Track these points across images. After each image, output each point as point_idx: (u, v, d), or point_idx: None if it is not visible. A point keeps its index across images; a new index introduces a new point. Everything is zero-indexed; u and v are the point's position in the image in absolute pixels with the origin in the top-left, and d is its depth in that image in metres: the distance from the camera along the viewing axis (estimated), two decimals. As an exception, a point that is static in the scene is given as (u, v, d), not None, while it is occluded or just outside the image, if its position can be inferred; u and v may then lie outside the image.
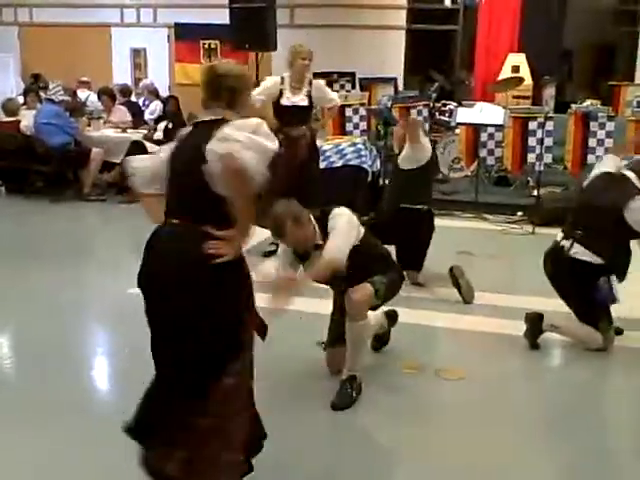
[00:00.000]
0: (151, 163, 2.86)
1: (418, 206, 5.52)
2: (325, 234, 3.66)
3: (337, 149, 7.83)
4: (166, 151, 2.78)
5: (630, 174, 4.45)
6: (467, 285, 5.32)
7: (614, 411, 3.96)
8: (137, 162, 2.91)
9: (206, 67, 2.76)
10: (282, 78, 6.03)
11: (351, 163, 7.68)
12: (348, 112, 9.10)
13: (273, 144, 2.52)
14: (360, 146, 7.87)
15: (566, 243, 4.45)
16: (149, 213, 2.82)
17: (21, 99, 9.96)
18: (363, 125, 9.24)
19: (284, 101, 5.95)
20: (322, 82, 6.50)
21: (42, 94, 9.81)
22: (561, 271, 4.49)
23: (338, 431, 3.60)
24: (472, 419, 3.70)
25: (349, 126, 9.15)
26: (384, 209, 5.79)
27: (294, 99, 5.96)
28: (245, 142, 2.44)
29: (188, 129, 2.78)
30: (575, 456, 3.42)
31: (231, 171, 2.40)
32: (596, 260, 4.32)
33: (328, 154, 7.69)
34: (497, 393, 4.00)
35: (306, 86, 6.00)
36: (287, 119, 5.91)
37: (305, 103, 5.98)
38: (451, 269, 5.36)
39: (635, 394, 4.08)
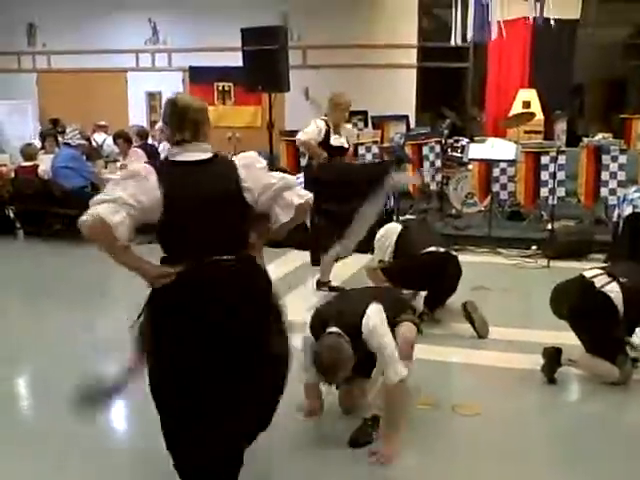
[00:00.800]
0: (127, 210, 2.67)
1: (442, 249, 5.56)
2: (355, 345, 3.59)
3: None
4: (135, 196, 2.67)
5: None
6: (481, 320, 5.32)
7: (633, 445, 3.92)
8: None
9: (169, 101, 2.91)
10: (324, 122, 6.33)
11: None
12: (361, 150, 9.17)
13: None
14: (373, 184, 7.90)
15: (600, 280, 4.42)
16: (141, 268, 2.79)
17: (39, 143, 10.14)
18: (376, 163, 9.29)
19: (333, 142, 6.32)
20: (349, 126, 7.25)
21: (60, 138, 9.98)
22: (587, 306, 4.45)
23: (356, 467, 3.58)
24: (489, 455, 3.68)
25: (362, 164, 9.21)
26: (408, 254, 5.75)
27: (338, 141, 6.36)
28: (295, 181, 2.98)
29: (171, 169, 2.82)
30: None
31: (306, 211, 2.95)
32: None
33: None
34: (514, 428, 3.99)
35: (344, 130, 6.50)
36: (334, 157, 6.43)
37: (346, 145, 6.45)
38: (464, 304, 5.37)
39: (654, 428, 4.05)
